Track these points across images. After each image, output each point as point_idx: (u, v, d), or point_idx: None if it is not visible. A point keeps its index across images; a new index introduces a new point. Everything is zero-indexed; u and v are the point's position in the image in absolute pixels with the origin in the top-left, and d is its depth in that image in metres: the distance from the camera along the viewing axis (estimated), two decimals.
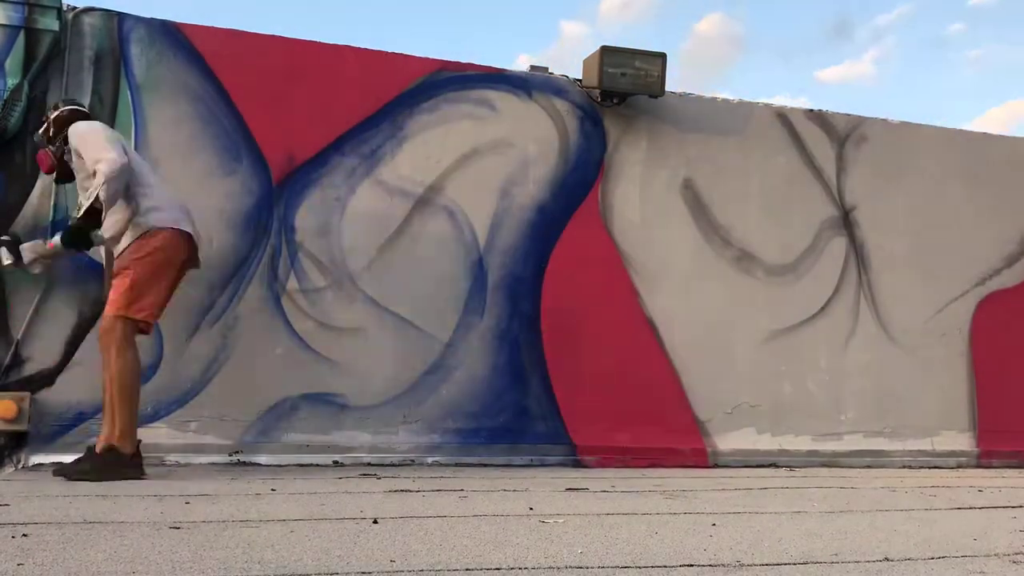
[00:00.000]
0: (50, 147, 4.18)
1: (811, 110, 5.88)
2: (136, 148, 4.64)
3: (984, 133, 6.23)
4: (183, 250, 4.16)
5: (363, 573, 2.08)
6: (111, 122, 4.63)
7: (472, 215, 5.16)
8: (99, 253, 4.40)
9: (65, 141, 4.10)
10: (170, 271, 4.11)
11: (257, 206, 4.84)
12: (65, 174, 4.21)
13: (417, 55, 5.17)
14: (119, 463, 3.90)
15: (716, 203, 5.60)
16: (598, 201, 5.39)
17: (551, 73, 5.44)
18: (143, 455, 4.04)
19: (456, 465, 4.90)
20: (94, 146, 3.95)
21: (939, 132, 6.11)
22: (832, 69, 27.38)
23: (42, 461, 4.35)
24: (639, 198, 5.47)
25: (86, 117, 4.24)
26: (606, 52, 5.24)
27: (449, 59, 5.21)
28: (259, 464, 4.64)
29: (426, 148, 5.12)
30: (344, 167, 4.99)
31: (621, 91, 5.31)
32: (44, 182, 4.50)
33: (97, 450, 3.93)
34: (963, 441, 5.90)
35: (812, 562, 2.31)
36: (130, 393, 3.95)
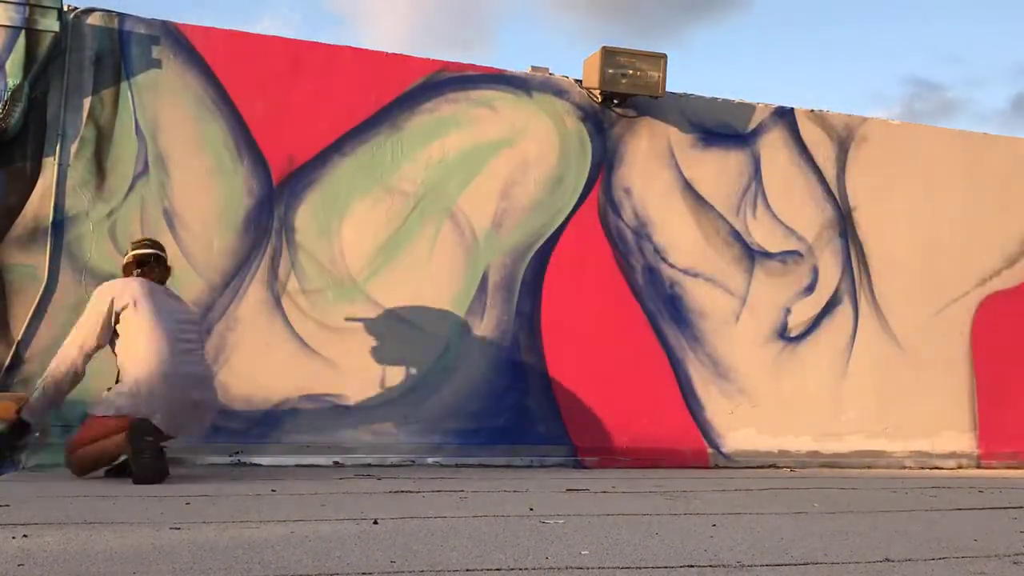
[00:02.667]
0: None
1: (811, 110, 5.88)
2: (137, 149, 4.66)
3: (984, 134, 6.24)
4: None
5: (363, 574, 2.08)
6: (111, 122, 4.63)
7: (472, 215, 5.16)
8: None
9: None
10: None
11: (257, 206, 4.84)
12: None
13: (418, 56, 5.19)
14: None
15: (717, 203, 5.60)
16: (598, 201, 5.39)
17: (551, 74, 5.44)
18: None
19: (456, 466, 4.90)
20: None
21: (939, 133, 6.11)
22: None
23: (42, 462, 4.35)
24: (640, 198, 5.47)
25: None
26: (606, 53, 5.23)
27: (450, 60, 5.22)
28: (259, 465, 4.64)
29: (426, 148, 5.12)
30: (344, 167, 4.99)
31: (622, 92, 5.31)
32: (44, 182, 4.51)
33: None
34: (963, 441, 5.90)
35: (813, 563, 2.31)
36: None
